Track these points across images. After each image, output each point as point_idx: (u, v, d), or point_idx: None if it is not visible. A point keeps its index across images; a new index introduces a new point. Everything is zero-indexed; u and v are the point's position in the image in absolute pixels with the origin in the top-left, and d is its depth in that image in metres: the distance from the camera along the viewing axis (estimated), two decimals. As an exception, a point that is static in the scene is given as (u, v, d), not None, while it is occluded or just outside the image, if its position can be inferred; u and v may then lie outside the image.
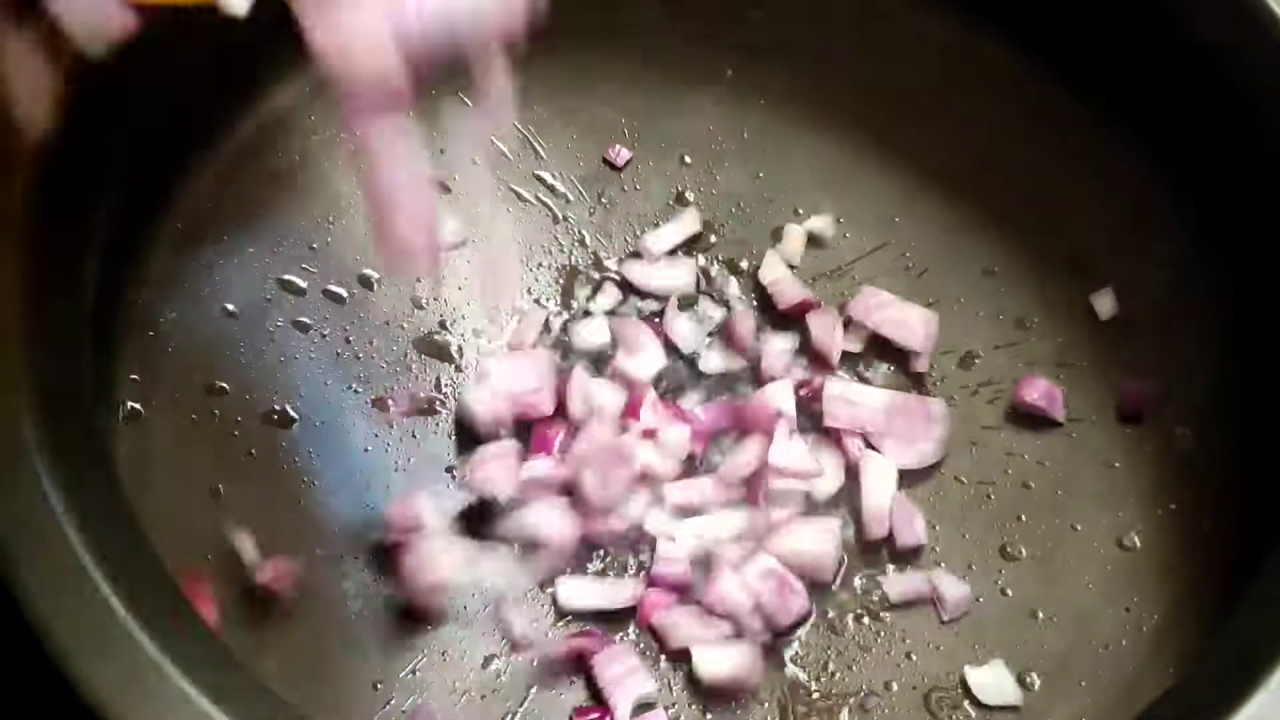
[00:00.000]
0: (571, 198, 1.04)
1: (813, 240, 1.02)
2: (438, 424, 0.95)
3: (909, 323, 0.97)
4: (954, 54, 1.04)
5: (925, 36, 1.04)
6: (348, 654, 0.86)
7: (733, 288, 1.01)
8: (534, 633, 0.88)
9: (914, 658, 0.89)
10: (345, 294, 0.97)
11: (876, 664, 0.89)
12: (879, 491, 0.91)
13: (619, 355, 0.96)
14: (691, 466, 0.94)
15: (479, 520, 0.90)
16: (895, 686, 0.88)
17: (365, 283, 0.98)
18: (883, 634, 0.90)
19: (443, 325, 0.98)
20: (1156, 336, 0.98)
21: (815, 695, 0.88)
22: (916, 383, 0.98)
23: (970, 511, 0.94)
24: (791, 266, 1.01)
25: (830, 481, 0.93)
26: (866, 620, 0.90)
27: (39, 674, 0.67)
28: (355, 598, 0.88)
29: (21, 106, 0.75)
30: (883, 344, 0.99)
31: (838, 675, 0.88)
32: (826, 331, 0.97)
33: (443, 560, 0.86)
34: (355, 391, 0.94)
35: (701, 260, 1.02)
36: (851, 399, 0.94)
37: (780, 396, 0.94)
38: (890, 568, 0.92)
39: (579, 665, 0.87)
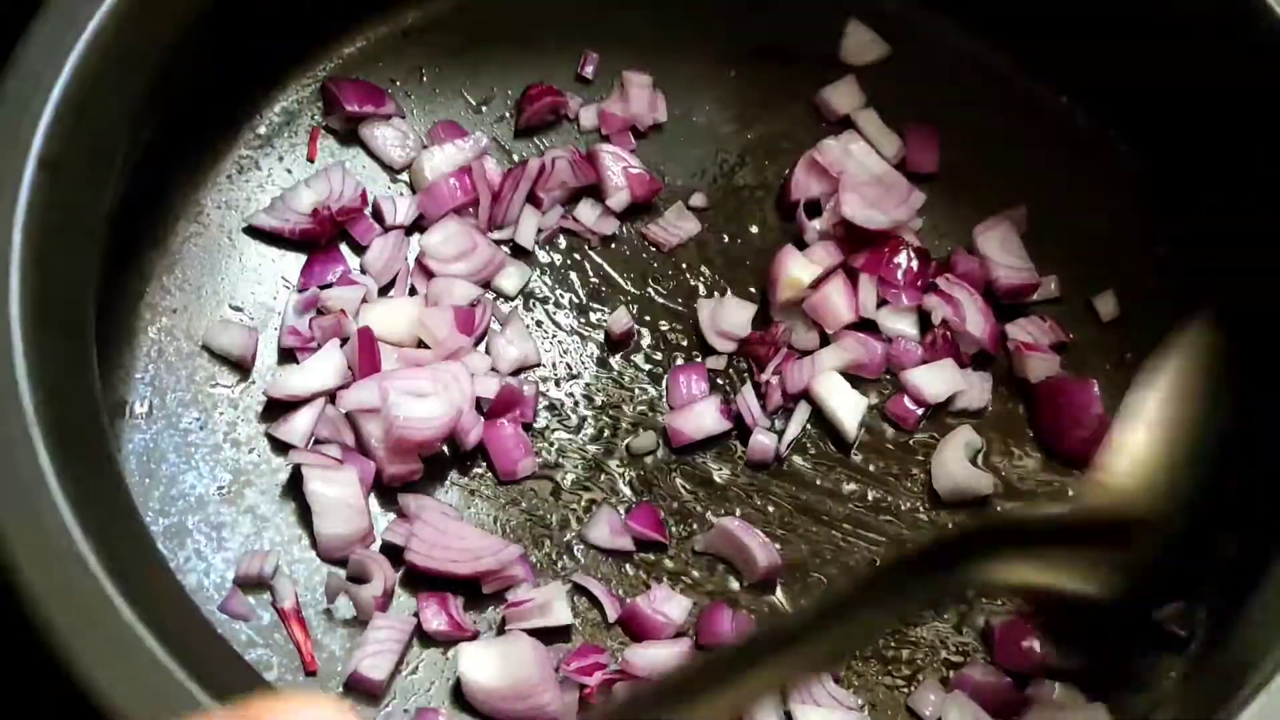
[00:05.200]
0: (573, 199, 1.04)
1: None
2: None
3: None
4: (957, 58, 1.05)
5: (929, 41, 1.05)
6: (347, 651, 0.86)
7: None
8: None
9: (919, 660, 0.90)
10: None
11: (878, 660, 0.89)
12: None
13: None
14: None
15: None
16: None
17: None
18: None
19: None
20: (1156, 338, 0.98)
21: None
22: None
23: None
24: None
25: None
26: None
27: (39, 673, 0.67)
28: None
29: None
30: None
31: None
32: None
33: None
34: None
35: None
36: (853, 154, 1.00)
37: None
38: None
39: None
